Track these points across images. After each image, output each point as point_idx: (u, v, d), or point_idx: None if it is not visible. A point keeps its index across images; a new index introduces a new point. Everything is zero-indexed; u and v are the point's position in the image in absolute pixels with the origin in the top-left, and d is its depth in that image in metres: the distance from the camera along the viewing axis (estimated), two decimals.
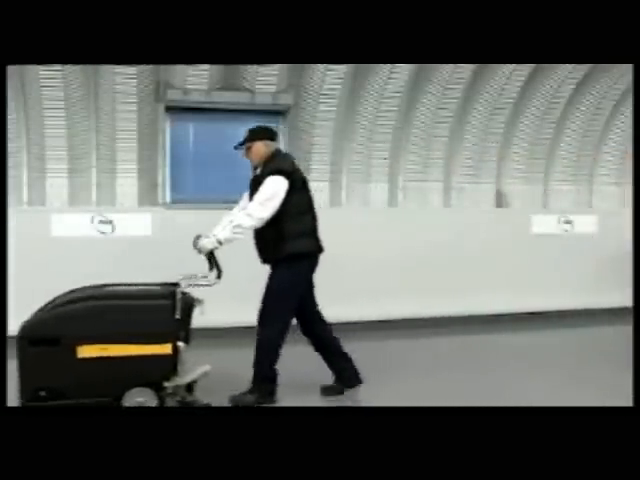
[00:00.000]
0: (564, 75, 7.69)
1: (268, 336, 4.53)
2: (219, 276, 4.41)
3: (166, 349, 4.10)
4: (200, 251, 4.40)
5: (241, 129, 7.28)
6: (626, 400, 3.45)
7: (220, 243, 4.38)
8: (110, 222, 6.66)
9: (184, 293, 4.26)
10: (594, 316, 7.77)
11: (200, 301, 4.31)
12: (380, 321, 7.19)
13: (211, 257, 4.42)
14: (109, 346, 4.01)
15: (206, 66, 6.69)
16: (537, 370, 5.57)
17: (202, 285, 4.34)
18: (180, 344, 4.15)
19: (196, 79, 6.81)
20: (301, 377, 4.96)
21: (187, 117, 7.18)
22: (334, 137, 7.36)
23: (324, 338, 4.80)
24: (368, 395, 4.74)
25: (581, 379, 5.22)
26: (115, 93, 6.62)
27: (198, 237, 4.42)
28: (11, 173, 6.51)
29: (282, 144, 7.35)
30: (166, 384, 4.12)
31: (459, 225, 7.68)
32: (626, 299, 6.08)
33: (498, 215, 8.08)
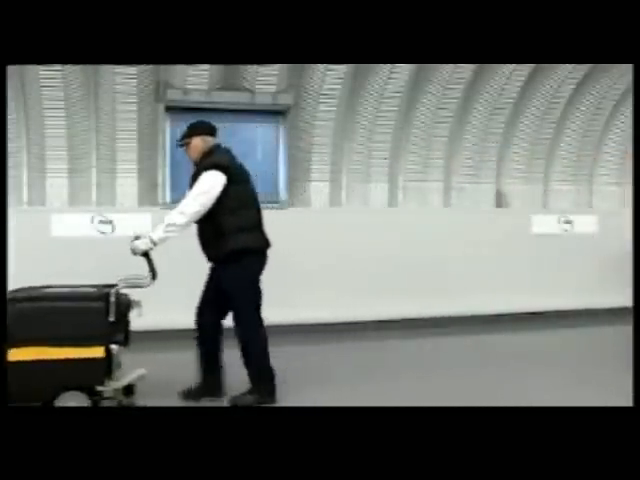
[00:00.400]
0: (564, 75, 7.69)
1: (247, 337, 4.47)
2: (154, 277, 4.28)
3: (98, 352, 3.99)
4: (134, 252, 4.26)
5: (241, 129, 7.35)
6: (626, 400, 3.45)
7: (154, 243, 4.26)
8: (110, 222, 6.66)
9: (121, 295, 4.13)
10: (594, 316, 7.76)
11: (138, 303, 4.20)
12: (380, 321, 7.19)
13: (147, 258, 4.27)
14: (40, 349, 3.90)
15: (206, 66, 6.69)
16: (537, 370, 5.56)
17: (137, 287, 4.22)
18: (114, 347, 4.04)
19: (196, 79, 6.82)
20: (297, 376, 4.96)
21: (187, 117, 7.16)
22: (334, 137, 7.36)
23: (216, 341, 4.65)
24: (368, 395, 4.74)
25: (581, 379, 5.21)
26: (115, 93, 6.62)
27: (137, 237, 4.30)
28: (11, 173, 6.51)
29: (282, 144, 7.37)
30: (100, 388, 4.00)
31: (459, 225, 7.67)
32: (626, 299, 6.07)
33: (498, 215, 8.08)
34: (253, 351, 4.49)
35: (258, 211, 4.63)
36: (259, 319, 4.53)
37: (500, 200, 8.15)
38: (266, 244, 4.64)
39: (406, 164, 7.74)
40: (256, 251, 4.54)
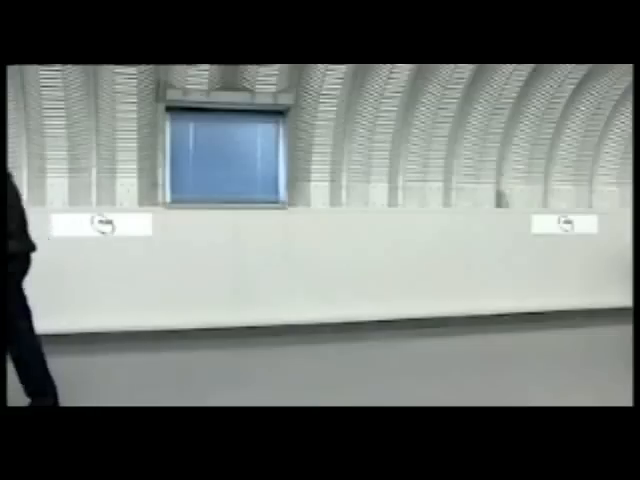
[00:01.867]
0: (564, 75, 7.69)
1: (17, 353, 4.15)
2: None
3: None
4: None
5: (241, 129, 7.36)
6: (626, 400, 3.45)
7: None
8: (110, 222, 6.67)
9: None
10: (594, 316, 7.77)
11: None
12: (380, 321, 7.19)
13: None
14: None
15: (206, 66, 6.69)
16: (537, 370, 5.57)
17: None
18: None
19: (196, 79, 6.82)
20: (298, 376, 4.94)
21: (187, 117, 7.18)
22: (334, 137, 7.36)
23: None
24: (367, 395, 4.75)
25: (581, 379, 5.22)
26: (115, 93, 6.62)
27: None
28: None
29: (282, 144, 7.37)
30: None
31: (459, 225, 7.68)
32: (626, 299, 6.08)
33: (498, 215, 8.08)
34: (25, 366, 4.16)
35: (21, 215, 4.25)
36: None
37: (500, 200, 8.15)
38: (19, 253, 4.22)
39: (406, 164, 7.74)
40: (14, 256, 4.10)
